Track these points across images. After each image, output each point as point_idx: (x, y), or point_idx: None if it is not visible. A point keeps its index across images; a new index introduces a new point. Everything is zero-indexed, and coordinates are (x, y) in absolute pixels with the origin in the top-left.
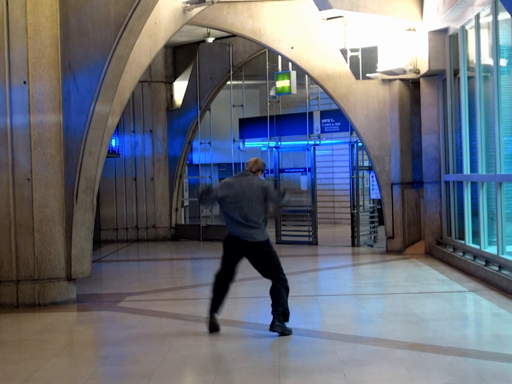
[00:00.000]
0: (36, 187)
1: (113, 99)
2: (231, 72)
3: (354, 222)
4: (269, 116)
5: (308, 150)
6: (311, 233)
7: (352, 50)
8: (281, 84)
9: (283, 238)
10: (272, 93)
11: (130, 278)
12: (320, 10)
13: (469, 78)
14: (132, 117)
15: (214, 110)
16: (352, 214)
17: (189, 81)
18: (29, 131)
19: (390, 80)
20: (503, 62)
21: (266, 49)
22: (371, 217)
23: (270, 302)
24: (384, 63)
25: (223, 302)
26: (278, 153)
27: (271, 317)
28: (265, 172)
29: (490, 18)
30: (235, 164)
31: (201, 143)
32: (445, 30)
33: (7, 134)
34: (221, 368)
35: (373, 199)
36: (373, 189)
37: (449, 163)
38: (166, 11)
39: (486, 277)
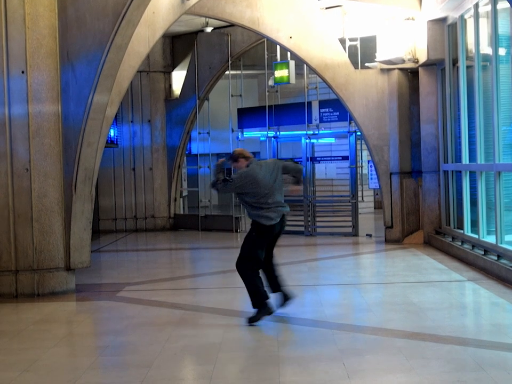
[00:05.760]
0: (34, 177)
1: (112, 89)
2: (230, 62)
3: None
4: (268, 105)
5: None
6: (309, 223)
7: (350, 39)
8: (280, 73)
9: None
10: (270, 82)
11: (129, 268)
12: None
13: (468, 67)
14: (131, 107)
15: (213, 100)
16: (352, 204)
17: (187, 71)
18: (27, 121)
19: (389, 70)
20: (502, 51)
21: (265, 39)
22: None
23: (272, 291)
24: (383, 53)
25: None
26: (277, 143)
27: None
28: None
29: (489, 7)
30: None
31: (199, 133)
32: (443, 19)
33: (5, 124)
34: (220, 358)
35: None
36: (371, 178)
37: (448, 152)
38: (164, 0)
39: (484, 266)
